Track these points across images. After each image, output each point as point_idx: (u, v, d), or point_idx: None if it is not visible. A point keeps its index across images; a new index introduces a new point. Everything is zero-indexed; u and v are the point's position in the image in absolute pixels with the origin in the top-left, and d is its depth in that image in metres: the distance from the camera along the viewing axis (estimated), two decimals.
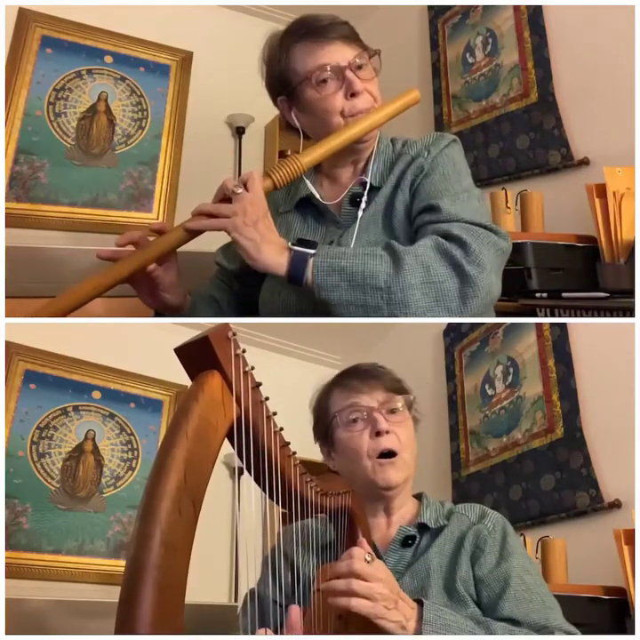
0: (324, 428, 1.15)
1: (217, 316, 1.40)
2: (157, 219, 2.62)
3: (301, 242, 1.10)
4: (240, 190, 1.09)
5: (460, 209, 1.12)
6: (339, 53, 1.19)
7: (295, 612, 0.80)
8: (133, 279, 1.20)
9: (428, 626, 0.87)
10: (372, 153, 1.27)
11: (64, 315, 1.13)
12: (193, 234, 1.16)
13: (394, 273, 1.02)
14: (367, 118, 1.20)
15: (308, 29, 1.22)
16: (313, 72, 1.18)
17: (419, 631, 0.87)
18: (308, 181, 1.28)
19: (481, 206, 1.18)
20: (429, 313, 1.01)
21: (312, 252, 1.06)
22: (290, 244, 1.09)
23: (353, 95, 1.18)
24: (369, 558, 0.86)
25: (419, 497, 1.17)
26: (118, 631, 0.48)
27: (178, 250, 1.29)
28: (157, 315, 1.36)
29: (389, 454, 1.08)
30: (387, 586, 0.85)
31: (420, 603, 0.90)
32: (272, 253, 1.07)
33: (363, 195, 1.23)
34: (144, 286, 1.23)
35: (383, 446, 1.07)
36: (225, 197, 1.12)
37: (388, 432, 1.08)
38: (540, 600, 0.99)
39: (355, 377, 1.14)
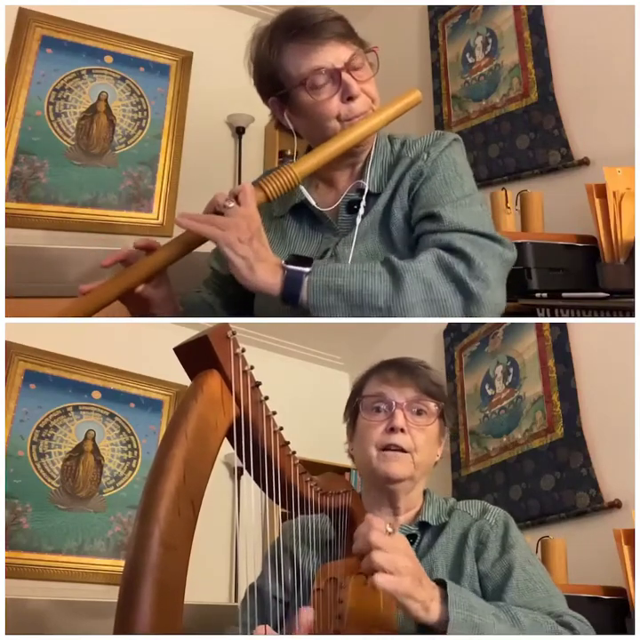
0: (351, 409, 1.14)
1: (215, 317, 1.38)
2: (157, 219, 2.62)
3: (296, 258, 1.05)
4: (232, 204, 1.04)
5: (461, 216, 1.08)
6: (333, 54, 1.13)
7: (307, 615, 0.78)
8: (123, 299, 1.15)
9: (455, 607, 0.80)
10: (369, 154, 1.22)
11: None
12: (181, 250, 1.11)
13: (394, 292, 0.99)
14: (365, 123, 1.15)
15: (301, 28, 1.14)
16: (307, 76, 1.12)
17: (445, 613, 0.80)
18: (302, 187, 1.21)
19: (483, 211, 1.14)
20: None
21: (307, 270, 1.02)
22: (283, 261, 1.03)
23: (350, 99, 1.13)
24: (390, 529, 0.80)
25: (423, 494, 1.15)
26: (117, 631, 0.48)
27: None
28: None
29: (397, 449, 1.07)
30: (410, 559, 0.79)
31: (439, 584, 0.84)
32: (265, 273, 1.02)
33: (360, 202, 1.19)
34: (135, 306, 1.19)
35: (392, 442, 1.06)
36: (216, 212, 1.06)
37: (402, 431, 1.06)
38: (543, 589, 0.98)
39: (393, 368, 1.11)
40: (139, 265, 1.14)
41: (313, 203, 1.22)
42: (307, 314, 1.05)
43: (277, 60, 1.16)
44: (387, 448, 1.07)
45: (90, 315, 1.11)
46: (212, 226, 1.03)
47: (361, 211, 1.18)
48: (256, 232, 1.03)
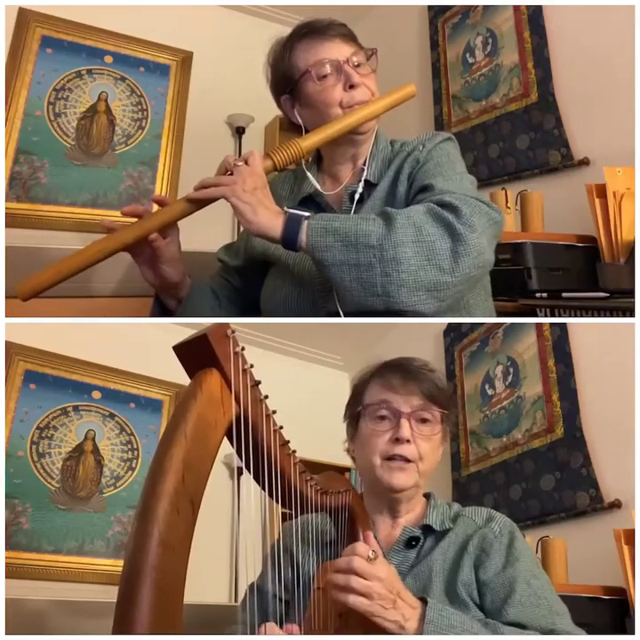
0: (353, 413, 1.14)
1: (215, 307, 1.42)
2: None
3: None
4: (240, 163, 1.15)
5: (452, 186, 1.15)
6: (337, 49, 1.26)
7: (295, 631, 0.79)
8: (135, 249, 1.23)
9: (431, 625, 0.85)
10: (371, 151, 1.31)
11: (67, 277, 1.17)
12: (195, 205, 1.19)
13: (386, 232, 1.05)
14: (364, 108, 1.25)
15: (310, 29, 1.29)
16: (313, 66, 1.24)
17: (420, 631, 0.85)
18: (311, 178, 1.32)
19: (474, 189, 1.21)
20: (422, 271, 1.03)
21: (307, 214, 1.10)
22: (285, 208, 1.13)
23: (351, 87, 1.24)
24: (372, 556, 0.85)
25: (427, 496, 1.15)
26: (116, 631, 0.47)
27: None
28: (159, 309, 1.37)
29: (402, 459, 1.06)
30: (386, 585, 0.84)
31: (424, 602, 0.88)
32: (268, 216, 1.10)
33: (359, 190, 1.28)
34: (145, 257, 1.26)
35: (397, 452, 1.06)
36: (226, 172, 1.17)
37: (408, 441, 1.06)
38: (547, 605, 0.97)
39: (397, 373, 1.10)
40: (156, 213, 1.22)
41: (319, 188, 1.31)
42: (310, 294, 1.13)
43: (289, 58, 1.29)
44: (391, 458, 1.06)
45: (111, 254, 1.19)
46: (219, 186, 1.14)
47: (357, 196, 1.27)
48: (260, 186, 1.13)
